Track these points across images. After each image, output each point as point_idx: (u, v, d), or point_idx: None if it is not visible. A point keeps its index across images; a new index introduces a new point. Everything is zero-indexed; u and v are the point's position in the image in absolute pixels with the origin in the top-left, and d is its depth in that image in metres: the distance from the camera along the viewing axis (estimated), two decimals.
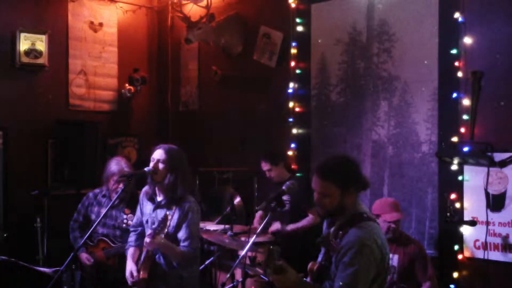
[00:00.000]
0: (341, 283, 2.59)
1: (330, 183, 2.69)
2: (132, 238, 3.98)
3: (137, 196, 4.04)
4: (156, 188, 3.75)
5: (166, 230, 3.54)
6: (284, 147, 5.71)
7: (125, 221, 4.60)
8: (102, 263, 4.67)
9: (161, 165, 3.64)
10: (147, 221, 3.82)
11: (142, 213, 3.92)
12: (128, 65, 6.90)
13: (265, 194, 5.43)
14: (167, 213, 3.58)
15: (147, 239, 3.57)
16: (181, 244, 3.63)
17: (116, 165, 4.68)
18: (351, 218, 2.71)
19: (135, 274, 3.70)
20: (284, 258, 2.75)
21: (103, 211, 4.56)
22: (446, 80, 4.67)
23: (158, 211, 3.72)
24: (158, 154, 3.67)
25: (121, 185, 4.53)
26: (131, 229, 4.03)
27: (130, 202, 4.61)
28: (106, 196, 4.77)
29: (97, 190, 4.89)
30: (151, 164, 3.65)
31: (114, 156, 5.10)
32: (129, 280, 3.72)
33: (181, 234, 3.64)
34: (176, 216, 3.63)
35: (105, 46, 6.78)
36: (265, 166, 5.22)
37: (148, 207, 3.83)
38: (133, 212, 4.27)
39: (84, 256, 4.69)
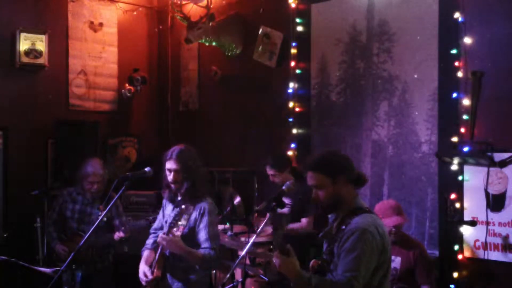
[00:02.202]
0: (343, 269, 2.61)
1: (319, 174, 2.80)
2: (150, 240, 3.95)
3: (111, 195, 4.15)
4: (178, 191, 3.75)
5: (181, 224, 3.49)
6: (284, 147, 5.71)
7: (99, 217, 4.67)
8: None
9: (178, 176, 3.64)
10: (166, 221, 3.80)
11: (163, 215, 3.91)
12: (128, 65, 6.89)
13: (265, 194, 5.43)
14: (183, 206, 3.56)
15: (161, 234, 3.56)
16: (201, 246, 3.60)
17: (91, 166, 4.95)
18: (353, 210, 2.78)
19: (148, 274, 3.65)
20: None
21: (78, 207, 4.98)
22: (446, 80, 4.67)
23: (176, 210, 3.70)
24: (172, 164, 3.65)
25: (95, 186, 4.91)
26: (151, 231, 4.02)
27: (104, 199, 4.83)
28: (80, 194, 5.02)
29: (71, 189, 5.10)
30: (170, 178, 3.65)
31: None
32: (143, 280, 3.67)
33: (200, 236, 3.62)
34: (192, 217, 3.61)
35: (105, 46, 6.78)
36: (270, 171, 5.16)
37: (169, 208, 3.84)
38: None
39: (60, 247, 4.91)
